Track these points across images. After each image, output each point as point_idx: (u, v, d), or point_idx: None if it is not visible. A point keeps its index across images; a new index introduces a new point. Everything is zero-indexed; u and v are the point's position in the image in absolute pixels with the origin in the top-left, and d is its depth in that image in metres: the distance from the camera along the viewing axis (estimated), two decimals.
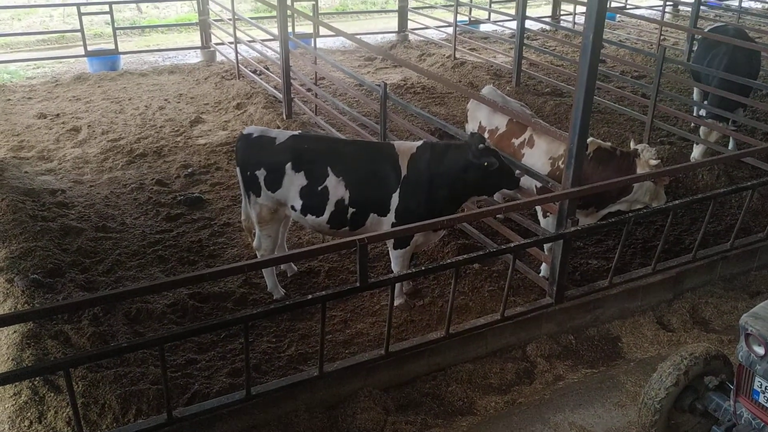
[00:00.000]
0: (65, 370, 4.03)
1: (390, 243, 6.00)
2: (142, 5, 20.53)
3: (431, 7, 18.30)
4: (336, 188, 5.78)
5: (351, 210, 5.82)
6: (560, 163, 6.30)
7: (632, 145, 6.31)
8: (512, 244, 5.39)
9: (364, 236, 4.66)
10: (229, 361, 5.63)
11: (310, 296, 4.69)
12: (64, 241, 7.28)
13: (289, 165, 5.84)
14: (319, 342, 4.88)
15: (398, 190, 5.75)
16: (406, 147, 5.92)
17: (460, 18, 15.43)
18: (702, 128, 8.96)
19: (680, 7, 19.33)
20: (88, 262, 6.97)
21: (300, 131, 6.54)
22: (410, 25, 17.21)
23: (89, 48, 13.97)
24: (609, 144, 6.47)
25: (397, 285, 6.11)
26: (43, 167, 9.34)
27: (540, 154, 6.64)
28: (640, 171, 6.05)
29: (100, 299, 4.52)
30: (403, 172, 5.75)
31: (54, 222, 7.58)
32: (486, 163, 5.49)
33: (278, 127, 10.13)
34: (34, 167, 9.31)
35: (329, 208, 5.81)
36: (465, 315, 6.10)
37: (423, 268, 5.13)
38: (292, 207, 5.95)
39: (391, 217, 5.82)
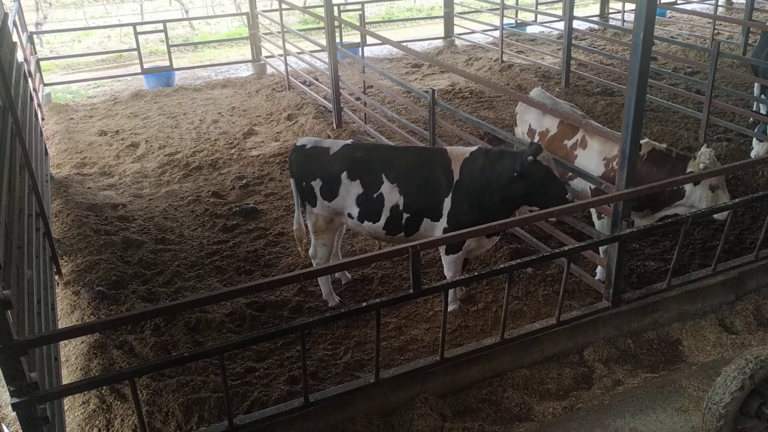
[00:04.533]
0: (131, 380, 4.18)
1: (442, 249, 6.02)
2: (195, 22, 21.09)
3: (477, 11, 18.23)
4: (391, 194, 5.85)
5: (405, 215, 5.87)
6: (614, 163, 6.21)
7: (702, 150, 6.09)
8: (566, 248, 5.33)
9: (416, 243, 4.69)
10: (286, 369, 5.72)
11: (364, 304, 4.73)
12: (126, 253, 7.52)
13: (344, 174, 5.93)
14: (374, 349, 4.92)
15: (450, 195, 5.77)
16: (459, 152, 5.93)
17: (506, 21, 15.35)
18: None
19: (734, 0, 18.79)
20: (149, 273, 7.19)
21: (351, 140, 6.62)
22: (456, 30, 17.19)
23: (145, 65, 14.41)
24: (664, 146, 6.33)
25: (451, 291, 6.11)
26: (105, 182, 9.69)
27: (593, 155, 6.56)
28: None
29: (161, 310, 4.65)
30: (456, 176, 5.77)
31: (116, 235, 7.84)
32: (529, 176, 5.47)
33: (329, 137, 10.27)
34: (97, 183, 9.67)
35: (385, 214, 5.88)
36: (520, 320, 6.06)
37: (476, 273, 5.12)
38: (349, 215, 6.04)
39: (443, 222, 5.83)
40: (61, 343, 5.84)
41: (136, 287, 6.87)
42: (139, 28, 14.30)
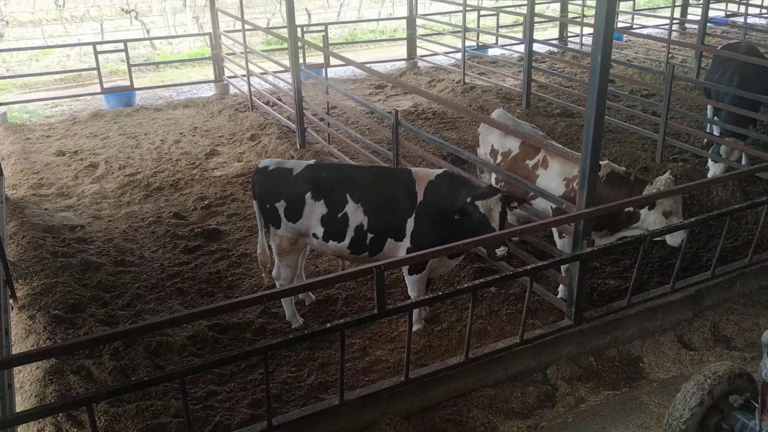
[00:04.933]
0: (88, 406, 4.07)
1: (405, 269, 6.03)
2: (156, 42, 20.92)
3: (439, 33, 18.46)
4: (355, 214, 5.86)
5: (370, 235, 5.89)
6: (574, 184, 6.31)
7: (659, 178, 6.16)
8: (529, 267, 5.39)
9: (380, 263, 4.69)
10: (249, 392, 5.64)
11: (328, 325, 4.70)
12: (84, 276, 7.36)
13: (308, 194, 5.93)
14: (338, 370, 4.88)
15: (413, 216, 5.80)
16: (424, 174, 5.98)
17: (468, 43, 15.55)
18: (722, 147, 8.93)
19: (687, 25, 19.38)
20: (108, 296, 7.05)
21: (314, 160, 6.63)
22: (419, 52, 17.36)
23: (105, 85, 14.21)
24: (623, 169, 6.47)
25: (415, 311, 6.12)
26: (63, 204, 9.49)
27: (554, 176, 6.66)
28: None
29: (120, 334, 4.56)
30: (420, 198, 5.81)
31: (74, 257, 7.67)
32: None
33: (292, 157, 10.25)
34: (54, 204, 9.46)
35: (349, 233, 5.89)
36: (484, 339, 6.08)
37: (440, 293, 5.13)
38: (314, 235, 6.02)
39: (406, 242, 5.85)
40: (15, 369, 5.67)
41: (95, 310, 6.72)
42: (99, 48, 14.13)
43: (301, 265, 6.74)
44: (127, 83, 14.38)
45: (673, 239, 6.17)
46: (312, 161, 6.39)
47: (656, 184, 6.03)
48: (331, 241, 5.98)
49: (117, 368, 5.81)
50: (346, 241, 5.92)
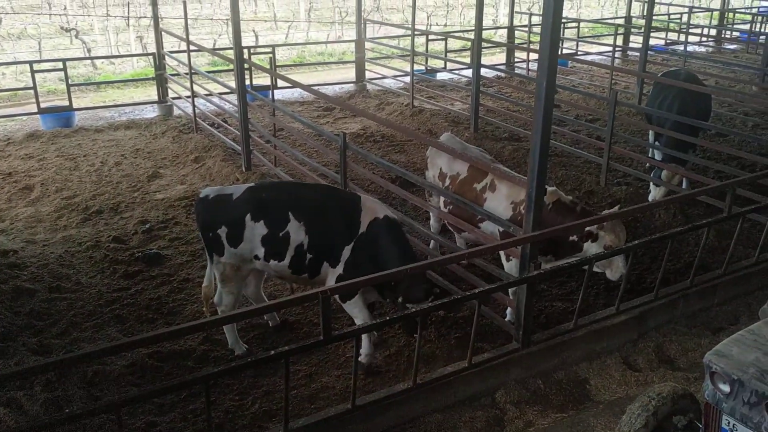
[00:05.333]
0: None
1: (336, 297, 5.87)
2: (98, 61, 20.46)
3: (388, 57, 18.60)
4: (297, 233, 5.76)
5: (309, 256, 5.79)
6: (522, 208, 6.33)
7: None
8: (477, 290, 5.36)
9: (326, 288, 4.59)
10: (191, 422, 5.43)
11: (272, 352, 4.57)
12: (16, 303, 7.03)
13: (248, 217, 5.81)
14: (283, 398, 4.74)
15: (352, 244, 5.73)
16: (372, 207, 5.90)
17: (416, 67, 15.71)
18: (664, 172, 9.16)
19: (629, 53, 20.02)
20: (41, 324, 6.73)
21: (255, 182, 6.50)
22: (368, 75, 17.43)
23: (42, 105, 13.78)
24: (570, 198, 6.54)
25: (365, 341, 6.00)
26: None
27: (501, 199, 6.68)
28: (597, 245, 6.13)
29: (53, 364, 4.32)
30: (362, 229, 5.75)
31: (5, 284, 7.32)
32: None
33: (237, 180, 10.08)
34: None
35: (290, 252, 5.78)
36: (432, 364, 6.01)
37: (388, 317, 5.05)
38: (256, 256, 5.89)
39: (339, 269, 5.78)
40: None
41: (26, 339, 6.40)
42: (36, 66, 13.71)
43: (260, 288, 6.63)
44: (66, 103, 13.98)
45: (613, 274, 6.27)
46: (252, 183, 6.28)
47: (606, 233, 6.10)
48: (272, 261, 5.86)
49: (50, 400, 5.52)
50: (287, 261, 5.81)
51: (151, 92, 16.09)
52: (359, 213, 5.81)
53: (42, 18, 23.91)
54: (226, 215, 5.90)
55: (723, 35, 23.16)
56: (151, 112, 15.25)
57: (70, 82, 13.97)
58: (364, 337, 5.91)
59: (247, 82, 12.22)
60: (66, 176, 10.90)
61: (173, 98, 14.95)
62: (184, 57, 13.41)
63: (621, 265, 6.20)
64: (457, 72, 17.16)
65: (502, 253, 6.62)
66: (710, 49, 22.15)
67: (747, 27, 23.17)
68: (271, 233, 5.78)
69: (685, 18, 22.91)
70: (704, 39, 22.42)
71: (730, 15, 25.50)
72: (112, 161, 11.61)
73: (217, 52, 14.77)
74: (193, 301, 7.22)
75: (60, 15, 25.89)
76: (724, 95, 13.58)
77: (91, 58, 20.13)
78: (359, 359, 5.55)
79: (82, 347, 6.34)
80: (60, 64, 14.05)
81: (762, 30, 21.86)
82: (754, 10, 26.65)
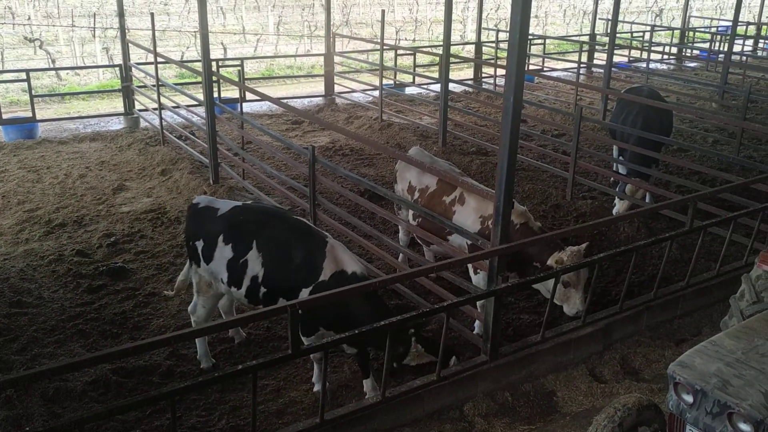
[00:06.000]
0: None
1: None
2: (62, 72, 20.16)
3: (357, 71, 18.66)
4: (254, 263, 5.61)
5: (263, 289, 5.62)
6: (490, 222, 6.39)
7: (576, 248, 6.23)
8: (445, 303, 5.38)
9: (295, 302, 4.56)
10: None
11: (240, 366, 4.52)
12: None
13: (221, 237, 5.76)
14: (251, 413, 4.68)
15: (310, 289, 5.45)
16: (340, 257, 5.53)
17: (385, 81, 15.78)
18: (628, 186, 9.32)
19: (593, 69, 20.40)
20: (0, 340, 6.56)
21: (245, 202, 6.40)
22: (337, 88, 17.46)
23: (4, 116, 13.51)
24: (539, 224, 6.61)
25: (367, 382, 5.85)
26: None
27: (470, 212, 6.73)
28: (550, 261, 6.16)
29: (13, 381, 4.23)
30: (323, 278, 5.45)
31: None
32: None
33: (205, 192, 9.98)
34: None
35: (246, 282, 5.65)
36: (401, 377, 5.99)
37: (356, 331, 5.03)
38: (221, 279, 5.82)
39: None
40: None
41: None
42: None
43: (233, 305, 6.62)
44: (29, 114, 13.73)
45: (570, 309, 6.32)
46: (240, 203, 6.19)
47: (565, 252, 6.13)
48: (232, 287, 5.76)
49: (9, 418, 5.38)
50: (243, 290, 5.69)
51: (117, 104, 15.90)
52: (322, 259, 5.49)
53: (5, 28, 23.49)
54: (205, 229, 5.87)
55: (684, 53, 23.72)
56: (117, 124, 15.05)
57: (33, 93, 13.74)
58: (366, 381, 5.78)
59: (216, 94, 12.17)
60: (28, 188, 10.69)
61: (140, 110, 14.78)
62: (151, 69, 13.30)
63: (578, 301, 6.26)
64: (425, 87, 17.28)
65: (470, 266, 6.66)
66: (672, 67, 22.67)
67: (707, 45, 23.78)
68: (235, 258, 5.68)
69: (647, 36, 23.46)
70: (666, 57, 22.94)
71: (691, 34, 26.14)
72: (76, 173, 11.42)
73: (185, 64, 14.68)
74: (159, 315, 7.12)
75: (23, 25, 25.51)
76: (685, 111, 13.89)
77: (56, 69, 19.82)
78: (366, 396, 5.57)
79: (42, 363, 6.19)
80: (23, 75, 13.81)
81: (721, 48, 22.45)
82: (714, 30, 27.38)
